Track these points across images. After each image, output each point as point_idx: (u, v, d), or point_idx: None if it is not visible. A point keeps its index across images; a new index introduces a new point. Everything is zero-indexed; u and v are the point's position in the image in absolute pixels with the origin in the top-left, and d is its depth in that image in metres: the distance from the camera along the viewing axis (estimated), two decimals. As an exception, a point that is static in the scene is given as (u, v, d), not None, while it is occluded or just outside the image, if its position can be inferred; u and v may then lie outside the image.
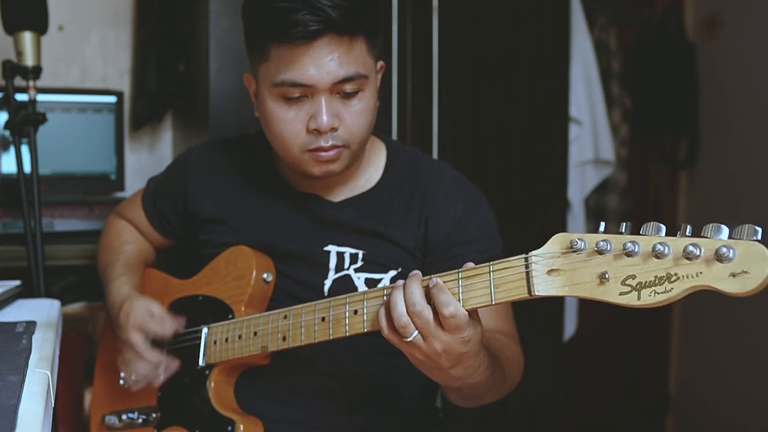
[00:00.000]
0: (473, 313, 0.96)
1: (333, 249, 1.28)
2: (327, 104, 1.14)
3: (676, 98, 3.02)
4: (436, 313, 0.94)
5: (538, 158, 2.22)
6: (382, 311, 0.98)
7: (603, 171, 2.71)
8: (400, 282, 0.98)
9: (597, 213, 2.88)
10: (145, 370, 1.26)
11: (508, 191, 2.18)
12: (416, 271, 0.98)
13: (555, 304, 2.30)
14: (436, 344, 0.95)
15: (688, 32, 3.08)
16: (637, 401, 3.22)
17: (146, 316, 1.25)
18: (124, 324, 1.26)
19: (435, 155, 2.06)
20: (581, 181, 2.63)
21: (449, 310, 0.92)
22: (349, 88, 1.14)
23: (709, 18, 3.01)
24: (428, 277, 0.97)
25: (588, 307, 2.42)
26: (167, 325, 1.26)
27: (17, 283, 1.30)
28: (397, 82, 1.99)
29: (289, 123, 1.16)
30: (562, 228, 2.32)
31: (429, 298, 0.95)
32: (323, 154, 1.17)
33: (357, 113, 1.17)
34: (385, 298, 1.02)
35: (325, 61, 1.11)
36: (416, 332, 0.95)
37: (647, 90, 3.05)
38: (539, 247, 0.89)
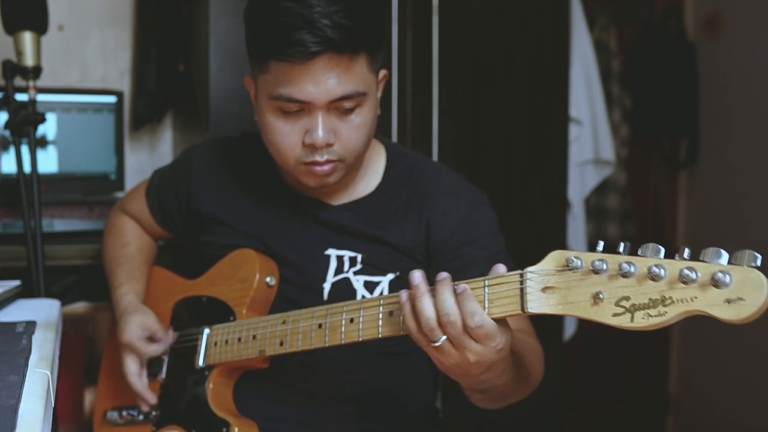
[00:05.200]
0: (503, 320, 0.92)
1: (333, 253, 1.28)
2: (323, 120, 1.14)
3: (676, 98, 3.02)
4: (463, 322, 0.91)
5: (538, 158, 2.22)
6: (407, 311, 0.94)
7: (603, 171, 2.71)
8: (423, 287, 0.93)
9: (597, 213, 2.88)
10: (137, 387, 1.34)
11: (508, 191, 2.18)
12: (445, 274, 0.93)
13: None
14: (470, 355, 0.91)
15: (688, 32, 3.08)
16: (637, 401, 3.22)
17: (136, 338, 1.31)
18: (119, 339, 1.33)
19: (435, 156, 2.06)
20: (581, 181, 2.63)
21: (475, 321, 0.89)
22: (347, 105, 1.14)
23: (709, 18, 3.01)
24: (456, 282, 0.92)
25: (588, 307, 2.41)
26: (155, 347, 1.32)
27: (17, 283, 1.30)
28: (397, 83, 1.99)
29: (285, 136, 1.16)
30: (563, 228, 2.32)
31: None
32: (318, 168, 1.17)
33: (354, 129, 1.16)
34: (381, 307, 1.01)
35: (323, 80, 1.10)
36: (444, 337, 0.92)
37: (647, 90, 3.05)
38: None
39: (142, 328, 1.31)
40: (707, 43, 3.01)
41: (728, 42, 2.93)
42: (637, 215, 3.08)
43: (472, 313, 0.89)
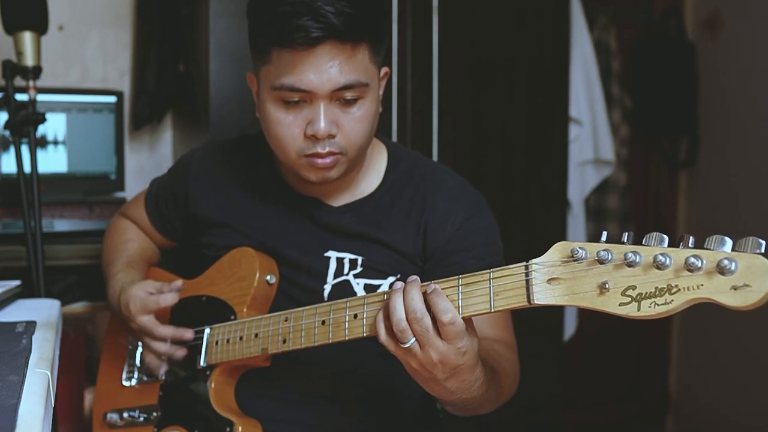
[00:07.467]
0: (469, 325, 0.95)
1: (333, 255, 1.28)
2: (325, 111, 1.13)
3: (676, 98, 3.02)
4: (434, 320, 0.93)
5: (538, 158, 2.22)
6: (380, 316, 0.98)
7: (603, 171, 2.71)
8: (399, 284, 0.97)
9: (597, 213, 2.88)
10: (164, 348, 1.29)
11: (508, 191, 2.18)
12: (415, 276, 0.97)
13: (555, 304, 2.30)
14: (433, 353, 0.94)
15: (688, 32, 3.08)
16: (637, 401, 3.22)
17: (145, 296, 1.28)
18: (127, 313, 1.29)
19: (435, 156, 2.06)
20: (581, 181, 2.63)
21: (448, 317, 0.92)
22: (349, 95, 1.14)
23: (709, 18, 3.01)
24: (426, 282, 0.96)
25: (588, 307, 2.40)
26: (168, 296, 1.28)
27: (17, 283, 1.30)
28: (397, 83, 1.99)
29: (287, 127, 1.16)
30: (563, 228, 2.32)
31: (427, 305, 0.94)
32: (319, 161, 1.16)
33: (356, 121, 1.16)
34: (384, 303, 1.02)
35: (325, 68, 1.10)
36: (413, 339, 0.94)
37: (647, 90, 3.05)
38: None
39: (145, 291, 1.28)
40: (707, 43, 3.01)
41: (728, 42, 2.93)
42: (637, 215, 3.08)
43: (445, 310, 0.92)
